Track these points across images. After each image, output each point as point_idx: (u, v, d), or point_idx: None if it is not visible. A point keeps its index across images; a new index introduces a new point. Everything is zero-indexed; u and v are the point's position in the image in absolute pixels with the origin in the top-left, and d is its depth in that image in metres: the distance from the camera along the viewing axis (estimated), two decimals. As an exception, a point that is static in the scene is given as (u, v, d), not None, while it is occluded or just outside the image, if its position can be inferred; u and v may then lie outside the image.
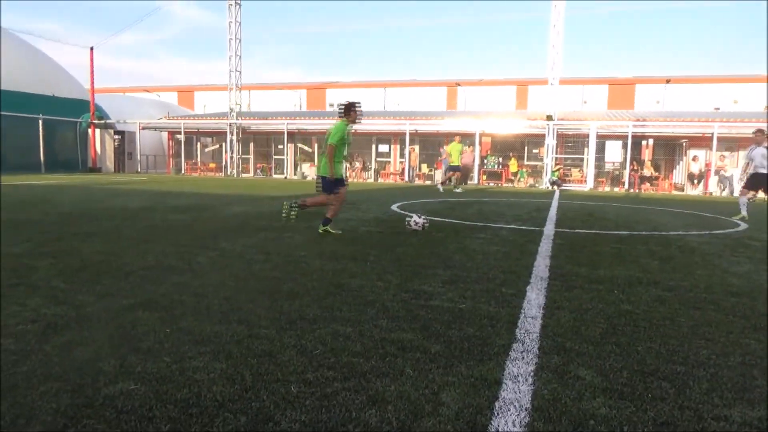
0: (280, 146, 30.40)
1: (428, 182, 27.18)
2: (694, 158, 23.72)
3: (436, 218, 9.23)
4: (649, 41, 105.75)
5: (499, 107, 35.40)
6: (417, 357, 2.73)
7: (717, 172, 22.74)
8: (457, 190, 18.76)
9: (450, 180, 19.46)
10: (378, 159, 30.88)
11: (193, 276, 4.41)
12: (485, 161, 27.68)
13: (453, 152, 18.65)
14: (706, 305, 3.93)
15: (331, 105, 40.55)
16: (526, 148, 28.28)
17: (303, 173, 29.84)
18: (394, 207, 11.36)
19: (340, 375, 2.48)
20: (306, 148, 31.58)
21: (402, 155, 29.41)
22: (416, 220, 7.38)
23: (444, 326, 3.23)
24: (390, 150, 30.78)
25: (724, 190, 22.36)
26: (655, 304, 3.91)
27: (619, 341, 3.06)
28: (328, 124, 29.64)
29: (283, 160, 30.27)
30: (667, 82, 35.02)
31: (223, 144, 30.91)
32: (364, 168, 30.15)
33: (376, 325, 3.22)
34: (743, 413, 2.22)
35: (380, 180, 28.98)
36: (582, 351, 2.88)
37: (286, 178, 29.24)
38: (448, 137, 27.57)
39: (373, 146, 30.85)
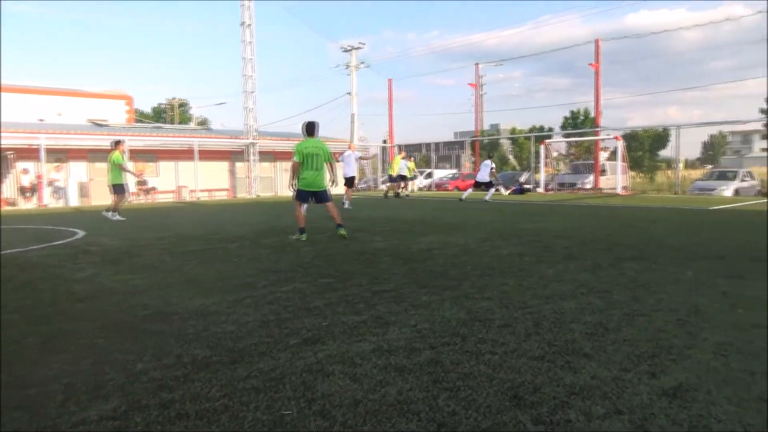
0: None
1: None
2: (24, 170, 22.93)
3: None
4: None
5: None
6: None
7: (51, 183, 22.77)
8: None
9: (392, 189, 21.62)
10: None
11: None
12: None
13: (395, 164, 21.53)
14: (54, 317, 3.91)
15: None
16: None
17: None
18: None
19: None
20: None
21: None
22: None
23: None
24: None
25: (60, 200, 22.66)
26: (-1, 331, 3.58)
27: (-42, 385, 2.64)
28: None
29: None
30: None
31: None
32: None
33: None
34: (99, 409, 2.34)
35: None
36: None
37: None
38: None
39: None
